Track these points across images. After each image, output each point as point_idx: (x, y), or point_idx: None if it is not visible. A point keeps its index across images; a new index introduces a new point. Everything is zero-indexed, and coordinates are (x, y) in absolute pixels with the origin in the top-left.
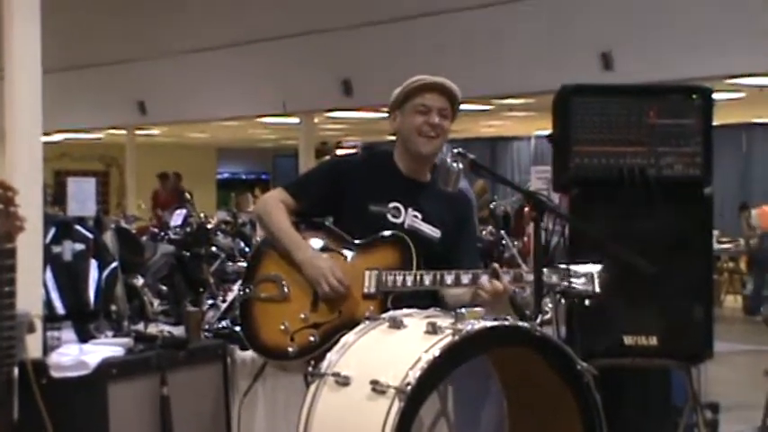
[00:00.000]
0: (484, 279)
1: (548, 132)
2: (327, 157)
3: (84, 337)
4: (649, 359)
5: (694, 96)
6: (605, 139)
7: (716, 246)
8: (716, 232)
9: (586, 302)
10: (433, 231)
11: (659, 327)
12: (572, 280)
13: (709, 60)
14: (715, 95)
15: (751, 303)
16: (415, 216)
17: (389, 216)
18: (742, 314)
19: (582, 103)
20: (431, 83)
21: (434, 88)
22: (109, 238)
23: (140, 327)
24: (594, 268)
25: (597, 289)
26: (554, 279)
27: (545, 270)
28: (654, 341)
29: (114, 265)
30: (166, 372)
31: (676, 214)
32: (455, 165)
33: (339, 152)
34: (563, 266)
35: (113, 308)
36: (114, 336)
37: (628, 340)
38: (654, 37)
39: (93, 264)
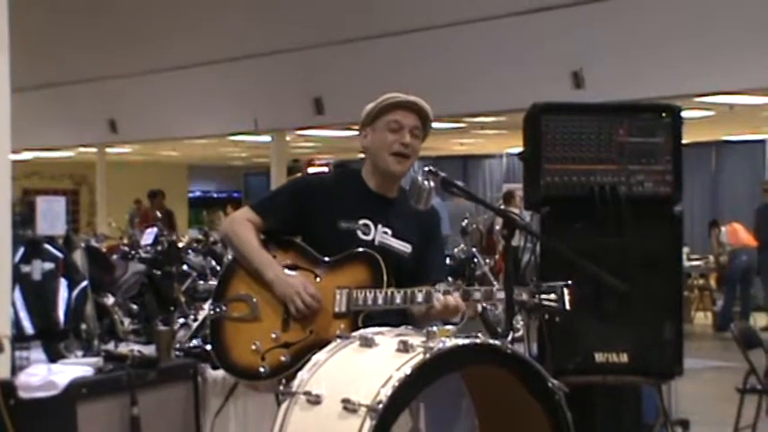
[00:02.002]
0: (437, 295)
1: (519, 150)
2: (298, 175)
3: (53, 356)
4: (620, 376)
5: (664, 115)
6: (576, 157)
7: (686, 263)
8: (686, 249)
9: (556, 319)
10: (403, 247)
11: (630, 344)
12: (542, 297)
13: (679, 79)
14: (684, 114)
15: (721, 320)
16: (385, 232)
17: (359, 233)
18: (712, 331)
19: (553, 122)
20: (404, 101)
21: (407, 107)
22: (79, 256)
23: (111, 346)
24: (564, 285)
25: (567, 306)
26: (524, 296)
27: (515, 287)
28: (624, 358)
29: (84, 284)
30: (137, 391)
31: (647, 232)
32: (426, 182)
33: (311, 170)
34: (533, 283)
35: (83, 327)
36: (84, 355)
37: (599, 357)
38: (624, 56)
39: (63, 283)
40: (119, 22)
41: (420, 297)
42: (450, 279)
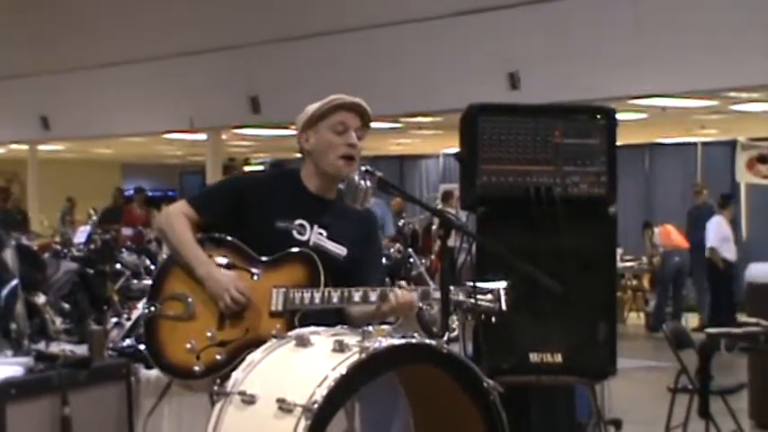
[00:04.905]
0: (396, 290)
1: (455, 151)
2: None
3: None
4: (554, 376)
5: (599, 117)
6: (512, 157)
7: (620, 264)
8: (620, 250)
9: (493, 319)
10: (338, 249)
11: (564, 344)
12: (478, 297)
13: (613, 81)
14: (619, 116)
15: (653, 320)
16: (320, 233)
17: (295, 233)
18: (644, 331)
19: (489, 122)
20: (349, 102)
21: (352, 108)
22: (9, 255)
23: (41, 346)
24: (501, 285)
25: (504, 307)
26: (461, 296)
27: (452, 288)
28: (559, 358)
29: (14, 282)
30: (68, 391)
31: (581, 233)
32: (363, 182)
33: (247, 169)
34: (470, 284)
35: (13, 326)
36: (14, 355)
37: (533, 358)
38: (559, 58)
39: None
40: (51, 17)
41: (357, 297)
42: (387, 280)
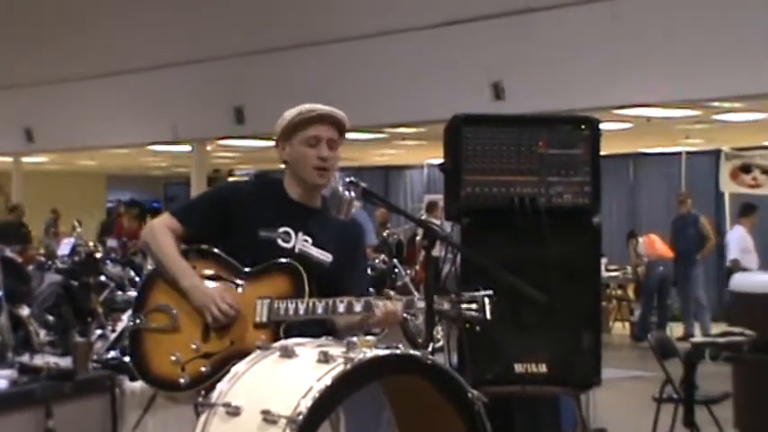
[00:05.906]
0: (378, 301)
1: (440, 161)
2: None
3: None
4: (539, 386)
5: (583, 127)
6: (496, 168)
7: (604, 273)
8: (604, 260)
9: (477, 328)
10: (323, 255)
11: (549, 354)
12: (462, 306)
13: (597, 91)
14: (602, 126)
15: (638, 330)
16: (306, 240)
17: (279, 241)
18: (629, 340)
19: (473, 133)
20: (319, 115)
21: (324, 119)
22: None
23: (25, 358)
24: (485, 295)
25: (488, 315)
26: (445, 305)
27: (436, 297)
28: (543, 368)
29: None
30: (52, 404)
31: (566, 243)
32: (347, 193)
33: (231, 180)
34: (454, 293)
35: None
36: None
37: (518, 368)
38: (544, 68)
39: None
40: (35, 28)
41: (341, 307)
42: (372, 290)
